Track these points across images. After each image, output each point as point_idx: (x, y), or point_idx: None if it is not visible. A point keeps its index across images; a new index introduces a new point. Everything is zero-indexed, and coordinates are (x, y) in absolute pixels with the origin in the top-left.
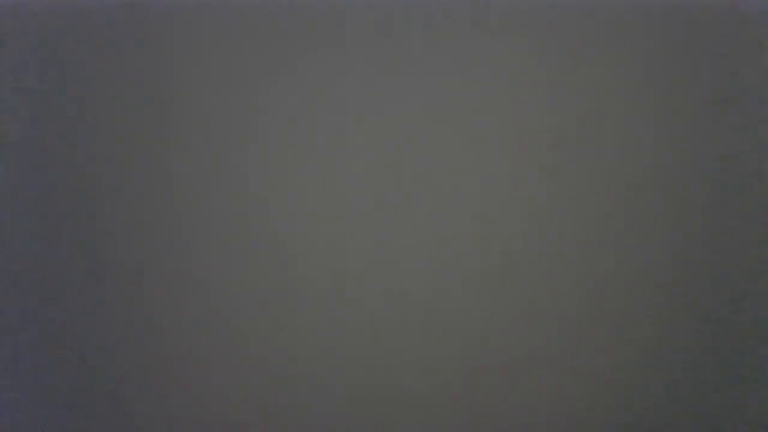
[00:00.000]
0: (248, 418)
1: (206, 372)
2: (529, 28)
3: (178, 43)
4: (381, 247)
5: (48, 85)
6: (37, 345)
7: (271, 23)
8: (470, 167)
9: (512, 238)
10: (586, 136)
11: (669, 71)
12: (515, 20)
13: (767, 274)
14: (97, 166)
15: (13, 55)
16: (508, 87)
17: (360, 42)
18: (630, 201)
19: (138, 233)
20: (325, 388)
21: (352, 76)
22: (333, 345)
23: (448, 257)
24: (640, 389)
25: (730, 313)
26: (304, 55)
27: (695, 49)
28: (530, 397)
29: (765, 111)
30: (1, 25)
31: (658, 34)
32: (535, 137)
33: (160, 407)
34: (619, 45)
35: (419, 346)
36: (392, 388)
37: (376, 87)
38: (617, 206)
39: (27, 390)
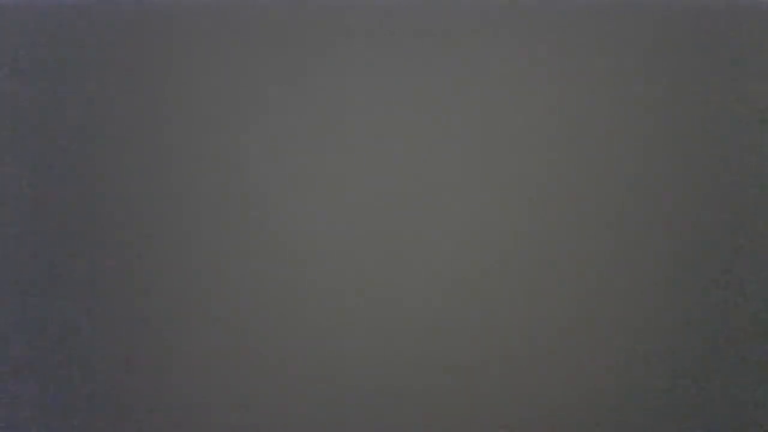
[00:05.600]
0: (248, 418)
1: (206, 372)
2: (530, 28)
3: (179, 43)
4: (382, 247)
5: (48, 85)
6: (37, 345)
7: (272, 23)
8: (471, 167)
9: (513, 238)
10: (586, 136)
11: (669, 71)
12: (516, 20)
13: (767, 274)
14: (97, 166)
15: (14, 55)
16: (508, 87)
17: (361, 42)
18: (630, 201)
19: (138, 233)
20: (325, 388)
21: (353, 77)
22: (333, 345)
23: (449, 257)
24: (640, 389)
25: (729, 313)
26: (305, 55)
27: (695, 49)
28: (530, 397)
29: (765, 111)
30: (1, 25)
31: (658, 34)
32: (535, 138)
33: (159, 407)
34: (619, 45)
35: (420, 346)
36: (393, 388)
37: (377, 87)
38: (617, 206)
39: (27, 390)
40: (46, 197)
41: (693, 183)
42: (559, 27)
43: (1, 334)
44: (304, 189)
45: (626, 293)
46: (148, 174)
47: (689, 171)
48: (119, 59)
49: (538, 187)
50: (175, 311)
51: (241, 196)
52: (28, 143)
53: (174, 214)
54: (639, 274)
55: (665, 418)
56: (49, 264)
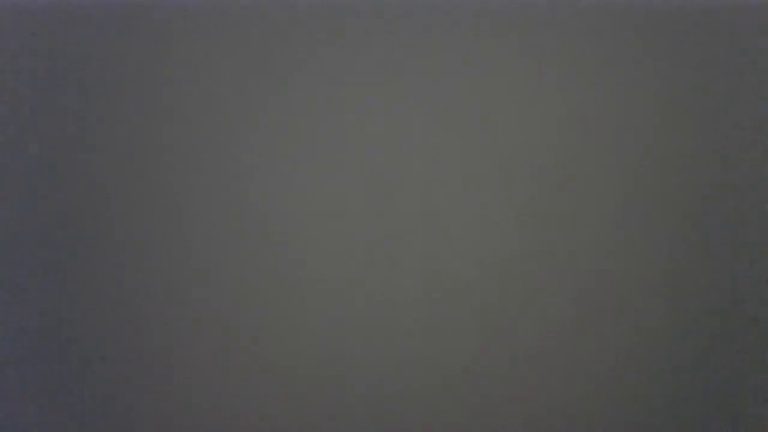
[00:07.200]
0: (247, 418)
1: (206, 372)
2: (529, 28)
3: (178, 43)
4: (380, 248)
5: (48, 86)
6: (37, 345)
7: (271, 23)
8: (470, 168)
9: (512, 238)
10: (586, 136)
11: (669, 71)
12: (515, 21)
13: (767, 274)
14: (97, 167)
15: (14, 54)
16: (508, 88)
17: (360, 42)
18: (629, 202)
19: (138, 234)
20: (324, 388)
21: (352, 77)
22: (332, 346)
23: (448, 258)
24: (639, 390)
25: (730, 313)
26: (304, 55)
27: (695, 49)
28: (529, 399)
29: (765, 111)
30: (1, 25)
31: (658, 34)
32: (535, 138)
33: (159, 408)
34: (619, 45)
35: (419, 347)
36: (391, 388)
37: (376, 87)
38: (616, 206)
39: (27, 390)
40: (46, 197)
41: (692, 183)
42: (558, 27)
43: (1, 333)
44: (304, 189)
45: (626, 294)
46: (147, 174)
47: (689, 171)
48: (118, 59)
49: (538, 187)
50: (174, 311)
51: (240, 197)
52: (28, 143)
53: (174, 215)
54: (639, 274)
55: (665, 417)
56: (49, 264)
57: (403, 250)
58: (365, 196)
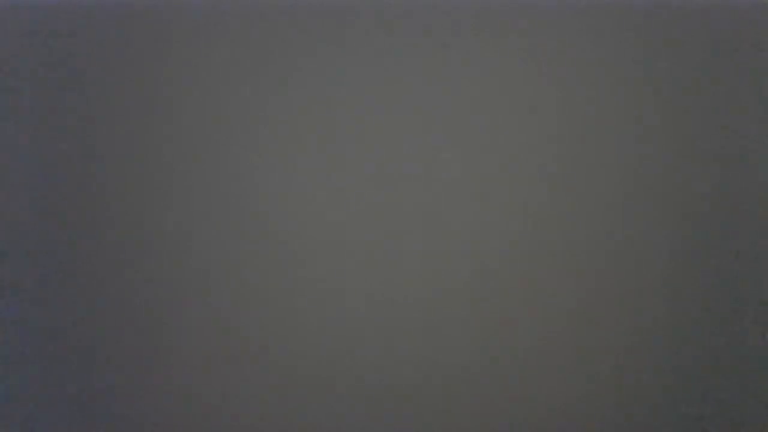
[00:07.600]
0: (247, 418)
1: (206, 372)
2: (529, 28)
3: (180, 44)
4: (381, 248)
5: (48, 86)
6: (37, 345)
7: (271, 23)
8: (470, 168)
9: (513, 238)
10: (586, 136)
11: (668, 71)
12: (515, 21)
13: (767, 274)
14: (97, 166)
15: (14, 54)
16: (508, 88)
17: (360, 42)
18: (629, 201)
19: (138, 234)
20: (324, 388)
21: (352, 77)
22: (332, 345)
23: (448, 258)
24: (639, 390)
25: (730, 313)
26: (304, 55)
27: (695, 49)
28: (529, 399)
29: (765, 111)
30: (1, 24)
31: (658, 34)
32: (535, 138)
33: (159, 408)
34: (619, 45)
35: (419, 347)
36: (390, 388)
37: (376, 88)
38: (616, 206)
39: (27, 390)
40: (47, 196)
41: (692, 183)
42: (558, 27)
43: (2, 332)
44: (304, 189)
45: (626, 294)
46: (147, 174)
47: (689, 171)
48: (119, 59)
49: (538, 187)
50: (175, 311)
51: (240, 197)
52: (28, 143)
53: (174, 215)
54: (639, 274)
55: (665, 417)
56: (49, 264)
57: (403, 250)
58: (365, 196)
